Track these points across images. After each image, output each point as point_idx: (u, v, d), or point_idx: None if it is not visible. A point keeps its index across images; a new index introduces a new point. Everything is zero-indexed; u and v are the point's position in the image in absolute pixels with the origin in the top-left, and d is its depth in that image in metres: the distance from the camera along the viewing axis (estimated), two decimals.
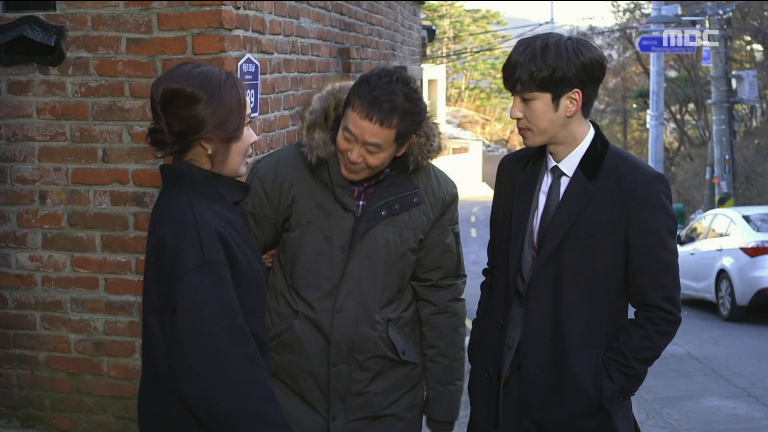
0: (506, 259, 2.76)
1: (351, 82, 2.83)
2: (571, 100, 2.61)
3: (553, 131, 2.65)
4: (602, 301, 2.66)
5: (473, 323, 2.98)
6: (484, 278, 3.02)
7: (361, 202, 2.85)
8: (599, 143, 2.69)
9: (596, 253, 2.63)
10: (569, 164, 2.69)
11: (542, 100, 2.60)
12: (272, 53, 4.28)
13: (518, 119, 2.66)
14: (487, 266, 3.00)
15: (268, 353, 2.44)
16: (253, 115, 3.98)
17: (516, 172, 2.81)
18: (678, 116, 35.48)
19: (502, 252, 2.78)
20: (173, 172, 2.34)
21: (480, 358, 2.86)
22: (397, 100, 2.68)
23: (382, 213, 2.82)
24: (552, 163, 2.72)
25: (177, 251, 2.20)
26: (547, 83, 2.57)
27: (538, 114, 2.62)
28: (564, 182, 2.69)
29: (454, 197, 2.98)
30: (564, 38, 2.62)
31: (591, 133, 2.71)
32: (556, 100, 2.60)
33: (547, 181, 2.73)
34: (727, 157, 23.14)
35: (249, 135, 2.39)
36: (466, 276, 3.06)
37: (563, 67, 2.56)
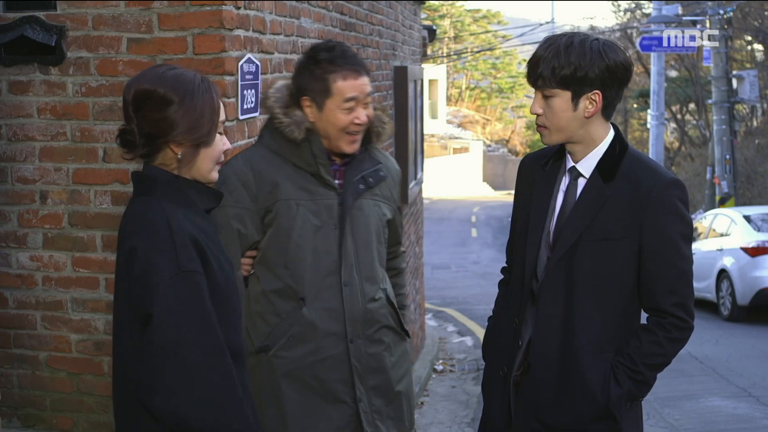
0: (522, 259, 2.75)
1: (280, 83, 3.04)
2: (591, 101, 2.60)
3: (570, 131, 2.63)
4: (614, 305, 2.64)
5: (489, 320, 2.98)
6: (502, 276, 3.02)
7: (337, 181, 2.96)
8: (618, 146, 2.67)
9: (609, 257, 2.61)
10: (586, 165, 2.68)
11: (562, 98, 2.59)
12: (273, 53, 4.28)
13: (537, 115, 2.66)
14: (505, 264, 2.99)
15: (245, 365, 2.41)
16: (253, 114, 3.98)
17: (536, 171, 2.80)
18: (679, 116, 35.45)
19: (519, 251, 2.78)
20: (143, 178, 2.31)
21: (493, 356, 2.85)
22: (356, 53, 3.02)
23: (361, 187, 2.97)
24: (570, 163, 2.71)
25: (150, 260, 2.16)
26: (568, 81, 2.57)
27: (556, 111, 2.61)
28: (581, 183, 2.68)
29: (400, 174, 3.23)
30: (591, 38, 2.61)
31: (611, 135, 2.69)
32: (575, 99, 2.59)
33: (565, 182, 2.72)
34: (727, 156, 23.12)
35: (221, 142, 2.36)
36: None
37: (585, 66, 2.55)
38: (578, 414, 2.63)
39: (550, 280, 2.66)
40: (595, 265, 2.62)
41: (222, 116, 2.35)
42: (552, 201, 2.73)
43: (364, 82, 2.92)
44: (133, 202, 2.32)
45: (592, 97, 2.60)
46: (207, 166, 2.33)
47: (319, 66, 2.90)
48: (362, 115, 2.90)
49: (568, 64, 2.55)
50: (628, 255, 2.62)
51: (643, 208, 2.59)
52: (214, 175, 2.37)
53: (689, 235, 2.66)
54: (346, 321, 2.89)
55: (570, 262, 2.64)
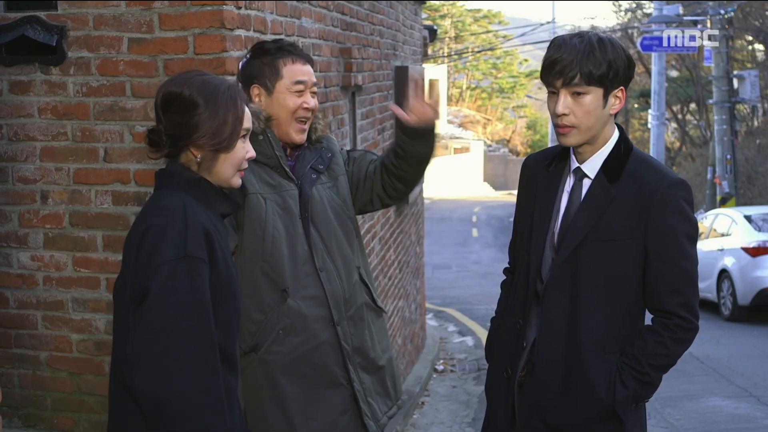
0: (527, 260, 2.74)
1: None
2: (616, 98, 2.61)
3: (596, 129, 2.62)
4: (618, 305, 2.63)
5: (492, 321, 2.97)
6: (504, 277, 3.00)
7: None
8: (623, 146, 2.67)
9: (614, 257, 2.61)
10: (592, 166, 2.67)
11: (595, 95, 2.57)
12: None
13: (563, 115, 2.59)
14: (508, 265, 2.98)
15: (237, 371, 2.39)
16: None
17: (539, 172, 2.79)
18: (679, 116, 35.44)
19: (523, 252, 2.77)
20: (165, 173, 2.36)
21: (497, 357, 2.85)
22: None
23: (313, 176, 3.05)
24: (575, 164, 2.70)
25: (159, 240, 2.18)
26: (604, 78, 2.56)
27: (588, 109, 2.58)
28: (586, 184, 2.67)
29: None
30: (608, 35, 2.65)
31: (616, 135, 2.69)
32: (606, 96, 2.58)
33: (569, 182, 2.71)
34: (728, 156, 23.12)
35: (244, 149, 2.39)
36: None
37: (617, 63, 2.56)
38: (583, 414, 2.63)
39: (555, 281, 2.65)
40: (600, 266, 2.62)
41: (247, 124, 2.38)
42: (556, 202, 2.72)
43: (310, 71, 3.03)
44: (151, 195, 2.37)
45: (618, 93, 2.61)
46: (227, 171, 2.36)
47: (269, 53, 3.02)
48: (311, 100, 3.00)
49: (604, 61, 2.55)
50: (633, 255, 2.61)
51: (648, 208, 2.59)
52: (236, 181, 2.40)
53: (694, 235, 2.65)
54: (330, 305, 2.94)
55: (575, 263, 2.63)
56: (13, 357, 4.03)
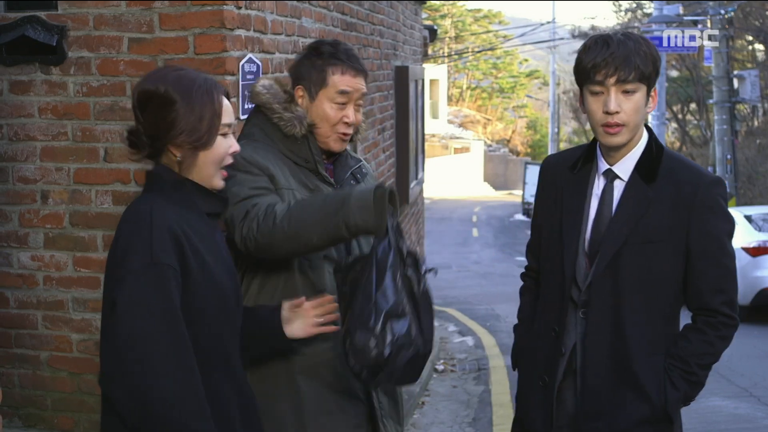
0: (560, 266, 2.67)
1: (266, 81, 2.98)
2: (651, 97, 2.59)
3: (638, 128, 2.60)
4: (661, 306, 2.61)
5: (515, 329, 2.91)
6: (522, 282, 2.93)
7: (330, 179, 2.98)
8: (654, 146, 2.63)
9: (655, 259, 2.57)
10: (625, 167, 2.62)
11: (641, 93, 2.55)
12: (274, 53, 4.28)
13: (615, 113, 2.53)
14: (525, 269, 2.92)
15: (232, 369, 2.35)
16: None
17: (563, 175, 2.72)
18: (680, 116, 35.45)
19: (555, 258, 2.70)
20: (147, 175, 2.32)
21: (530, 366, 2.78)
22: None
23: (351, 182, 3.00)
24: (605, 165, 2.64)
25: (126, 248, 2.15)
26: (651, 76, 2.55)
27: (637, 107, 2.55)
28: (618, 186, 2.62)
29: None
30: None
31: (646, 135, 2.65)
32: (648, 94, 2.57)
33: (599, 185, 2.65)
34: (728, 156, 23.13)
35: (225, 144, 2.30)
36: None
37: (658, 62, 2.56)
38: (635, 419, 2.59)
39: (596, 288, 2.60)
40: (640, 268, 2.58)
41: (227, 119, 2.30)
42: (586, 206, 2.66)
43: (360, 82, 2.92)
44: (134, 198, 2.34)
45: (652, 93, 2.59)
46: (208, 170, 2.29)
47: (321, 57, 2.91)
48: (351, 114, 2.91)
49: (650, 58, 2.53)
50: (672, 256, 2.58)
51: (688, 209, 2.55)
52: (217, 182, 2.33)
53: (732, 232, 2.64)
54: None
55: (616, 268, 2.58)
56: (13, 357, 4.03)
